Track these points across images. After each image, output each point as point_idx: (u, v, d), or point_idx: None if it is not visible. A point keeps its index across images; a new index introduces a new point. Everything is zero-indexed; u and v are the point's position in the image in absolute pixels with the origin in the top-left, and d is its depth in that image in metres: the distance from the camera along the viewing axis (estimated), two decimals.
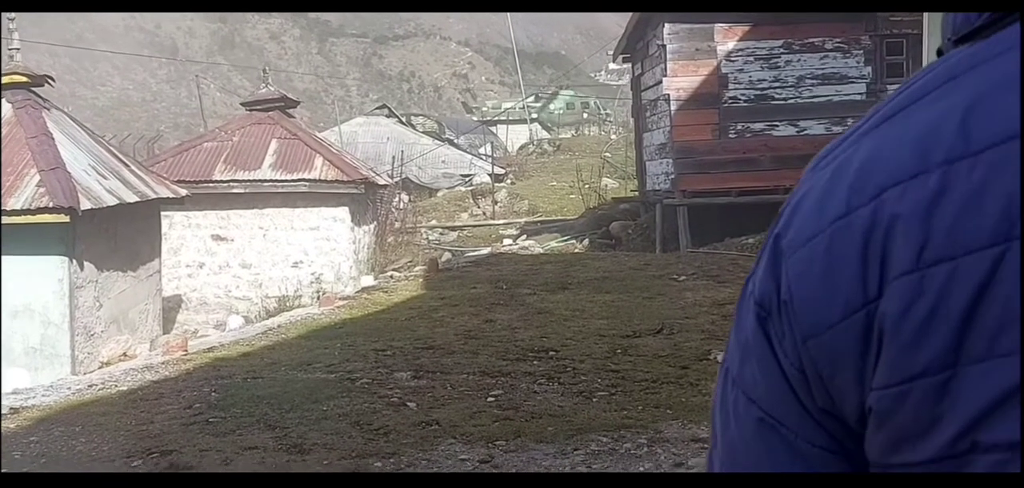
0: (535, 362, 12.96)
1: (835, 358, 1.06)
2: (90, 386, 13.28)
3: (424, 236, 36.03)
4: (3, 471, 9.27)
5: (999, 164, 0.98)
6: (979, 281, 0.98)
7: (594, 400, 11.11)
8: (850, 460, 1.11)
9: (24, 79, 20.41)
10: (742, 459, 1.18)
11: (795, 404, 1.12)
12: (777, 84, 26.38)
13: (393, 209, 33.43)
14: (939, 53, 1.14)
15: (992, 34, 1.06)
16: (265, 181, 27.04)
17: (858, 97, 26.17)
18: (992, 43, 1.05)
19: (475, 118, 76.76)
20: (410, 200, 39.66)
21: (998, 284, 0.97)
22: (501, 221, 40.85)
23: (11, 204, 17.46)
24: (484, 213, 43.41)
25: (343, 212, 27.22)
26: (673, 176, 26.67)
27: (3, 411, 11.78)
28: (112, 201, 19.02)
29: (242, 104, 31.98)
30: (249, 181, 27.01)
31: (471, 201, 45.30)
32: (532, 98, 79.37)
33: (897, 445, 1.04)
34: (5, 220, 17.43)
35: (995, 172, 0.98)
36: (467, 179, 49.90)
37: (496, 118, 73.97)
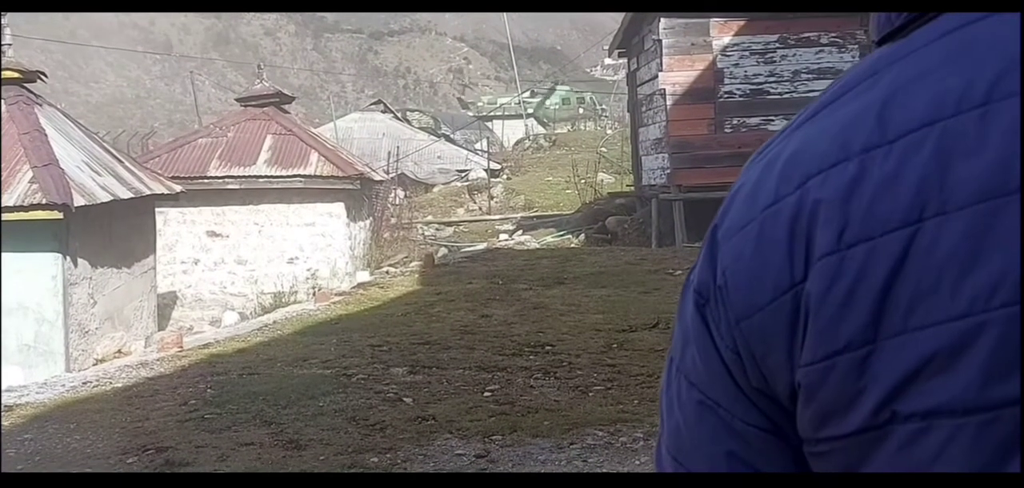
0: (531, 357, 12.96)
1: (766, 338, 1.12)
2: (85, 383, 13.26)
3: (420, 232, 36.04)
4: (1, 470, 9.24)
5: (910, 151, 1.05)
6: (894, 260, 1.03)
7: (590, 394, 11.10)
8: (785, 439, 1.16)
9: (16, 75, 20.33)
10: (686, 441, 1.23)
11: (731, 385, 1.17)
12: (772, 79, 26.40)
13: (389, 205, 33.45)
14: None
15: (909, 33, 1.13)
16: (260, 177, 27.01)
17: None
18: (909, 41, 1.12)
19: (471, 114, 76.69)
20: (406, 196, 39.63)
21: (911, 262, 1.03)
22: (497, 216, 40.89)
23: (4, 201, 17.41)
24: (480, 208, 43.46)
25: (339, 208, 27.19)
26: (669, 171, 26.67)
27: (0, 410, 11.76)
28: (106, 197, 18.97)
29: (237, 100, 31.94)
30: (244, 177, 26.97)
31: (467, 196, 45.36)
32: (528, 93, 79.42)
33: (824, 419, 1.09)
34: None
35: (907, 159, 1.04)
36: (463, 174, 49.96)
37: (492, 113, 74.08)
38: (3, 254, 17.53)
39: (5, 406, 11.92)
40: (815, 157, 1.10)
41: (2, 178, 17.76)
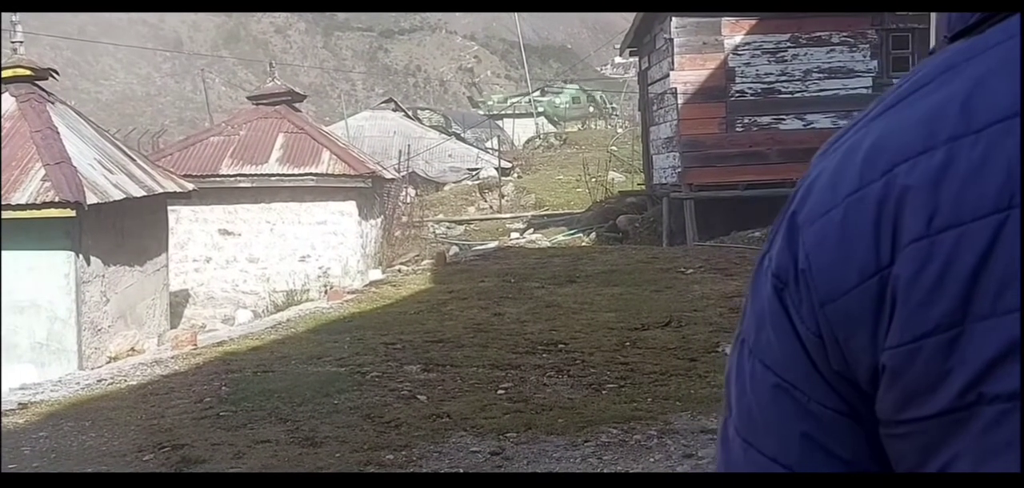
0: (544, 355, 12.96)
1: (850, 321, 1.14)
2: (99, 381, 13.27)
3: (431, 230, 36.07)
4: (11, 467, 9.25)
5: (998, 140, 1.07)
6: (983, 246, 1.06)
7: (604, 392, 11.11)
8: (859, 421, 1.18)
9: (28, 72, 20.33)
10: (758, 423, 1.25)
11: (809, 368, 1.20)
12: (784, 78, 26.37)
13: (400, 203, 33.48)
14: (931, 53, 1.24)
15: (986, 30, 1.16)
16: (272, 175, 27.06)
17: (864, 91, 26.16)
18: (986, 37, 1.15)
19: (481, 112, 76.65)
20: (417, 194, 39.68)
21: (1000, 248, 1.05)
22: (508, 215, 40.90)
23: (16, 198, 17.42)
24: (491, 207, 43.46)
25: (350, 206, 27.23)
26: (680, 170, 26.66)
27: (12, 406, 11.76)
28: (118, 195, 18.99)
29: (248, 98, 32.02)
30: (256, 175, 27.02)
31: (478, 195, 45.33)
32: (538, 92, 79.32)
33: (909, 400, 1.11)
34: (11, 215, 17.39)
35: (994, 147, 1.07)
36: (474, 173, 49.94)
37: (502, 112, 73.98)
38: (17, 252, 17.56)
39: (20, 403, 11.95)
40: (900, 145, 1.13)
41: (11, 176, 17.79)
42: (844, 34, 26.41)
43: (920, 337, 1.08)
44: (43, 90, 20.67)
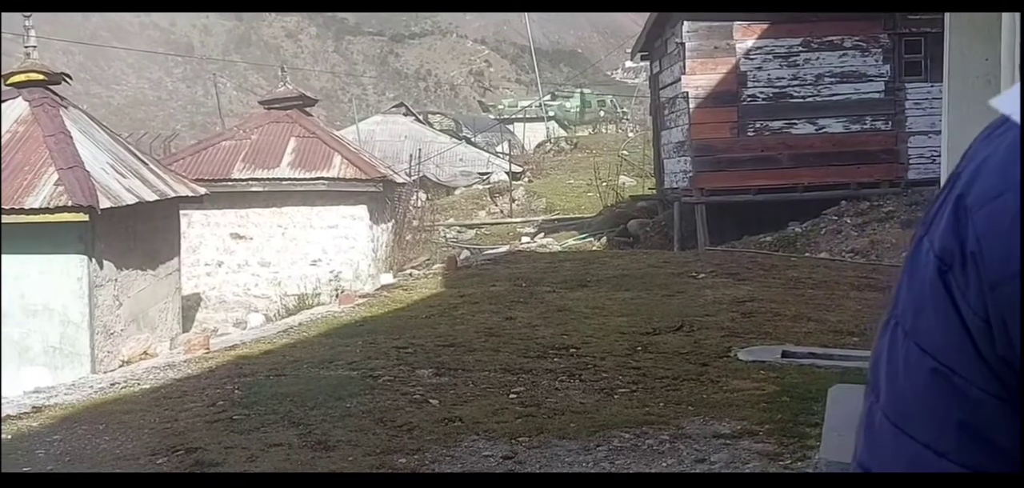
0: (556, 359, 12.94)
1: (1022, 304, 1.12)
2: (112, 384, 13.28)
3: (442, 234, 36.11)
4: (25, 469, 9.28)
5: None
6: None
7: (616, 397, 11.10)
8: (1017, 410, 1.16)
9: (41, 77, 20.36)
10: (912, 408, 1.23)
11: (972, 353, 1.18)
12: (796, 82, 26.39)
13: (411, 207, 33.52)
14: None
15: None
16: (284, 179, 27.13)
17: (877, 95, 26.18)
18: None
19: (492, 116, 76.70)
20: (428, 198, 39.72)
21: None
22: (519, 219, 40.94)
23: (29, 202, 17.48)
24: (502, 211, 43.49)
25: (362, 210, 27.28)
26: (691, 174, 26.68)
27: (26, 410, 11.80)
28: (131, 200, 19.04)
29: (260, 102, 32.10)
30: (268, 179, 27.09)
31: (488, 199, 45.41)
32: (549, 96, 79.38)
33: None
34: (25, 219, 17.44)
35: None
36: (484, 177, 49.99)
37: (513, 116, 74.02)
38: (30, 256, 17.62)
39: (33, 407, 11.97)
40: None
41: (24, 180, 17.84)
42: (856, 38, 26.41)
43: None
44: (56, 94, 20.72)
